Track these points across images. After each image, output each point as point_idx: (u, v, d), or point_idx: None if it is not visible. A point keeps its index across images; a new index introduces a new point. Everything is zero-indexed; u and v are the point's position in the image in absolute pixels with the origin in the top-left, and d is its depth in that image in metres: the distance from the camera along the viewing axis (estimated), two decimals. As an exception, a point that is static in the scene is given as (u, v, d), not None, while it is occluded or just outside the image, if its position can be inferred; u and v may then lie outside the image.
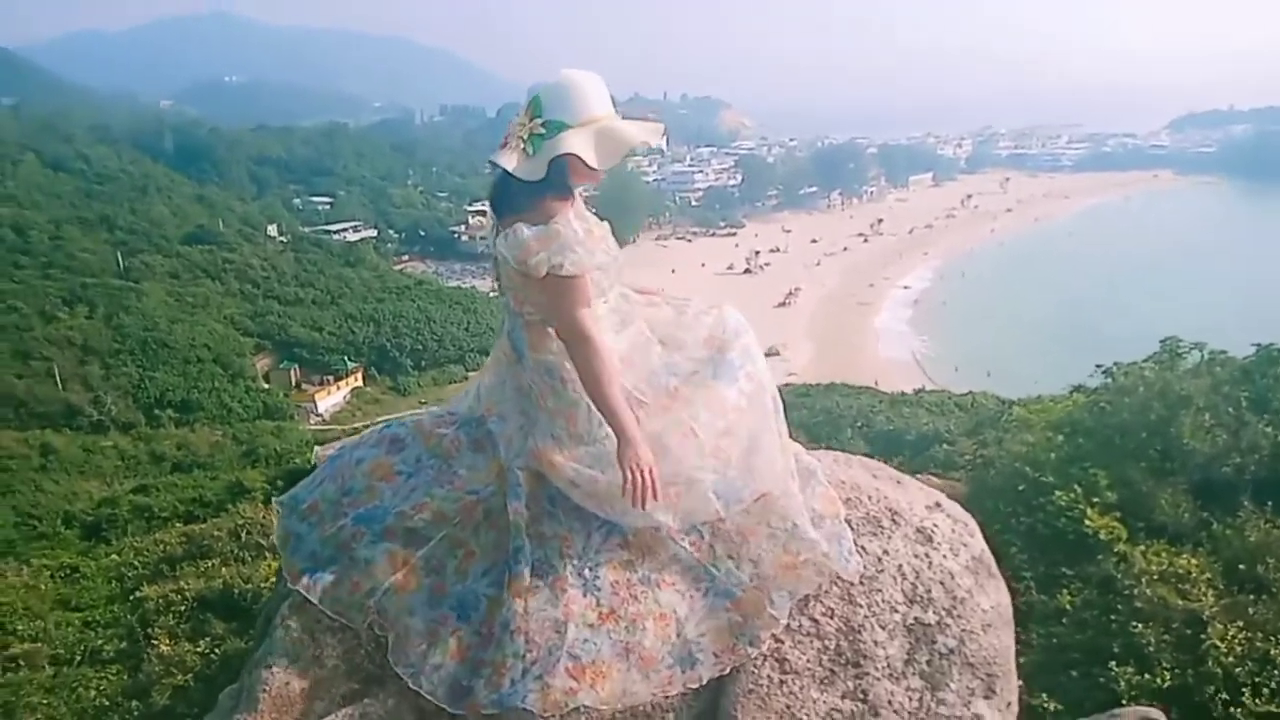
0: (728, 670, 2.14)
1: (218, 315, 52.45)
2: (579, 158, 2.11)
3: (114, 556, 11.22)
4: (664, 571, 2.20)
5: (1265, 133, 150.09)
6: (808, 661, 2.17)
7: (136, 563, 9.87)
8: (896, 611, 2.22)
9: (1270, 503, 6.13)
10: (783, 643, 2.18)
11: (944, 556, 2.31)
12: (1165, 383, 7.45)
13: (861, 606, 2.22)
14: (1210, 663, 4.84)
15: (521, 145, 2.15)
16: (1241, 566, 5.63)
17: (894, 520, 2.36)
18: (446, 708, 2.11)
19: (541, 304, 2.20)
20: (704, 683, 2.13)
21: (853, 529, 2.32)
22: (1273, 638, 4.90)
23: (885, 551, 2.30)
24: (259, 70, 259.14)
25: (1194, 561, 5.67)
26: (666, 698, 2.12)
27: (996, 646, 2.23)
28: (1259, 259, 77.33)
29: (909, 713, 2.12)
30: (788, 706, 2.12)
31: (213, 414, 43.86)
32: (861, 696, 2.14)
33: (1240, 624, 5.06)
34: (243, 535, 8.85)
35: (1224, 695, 4.69)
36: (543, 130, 2.14)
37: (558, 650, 2.08)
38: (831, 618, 2.21)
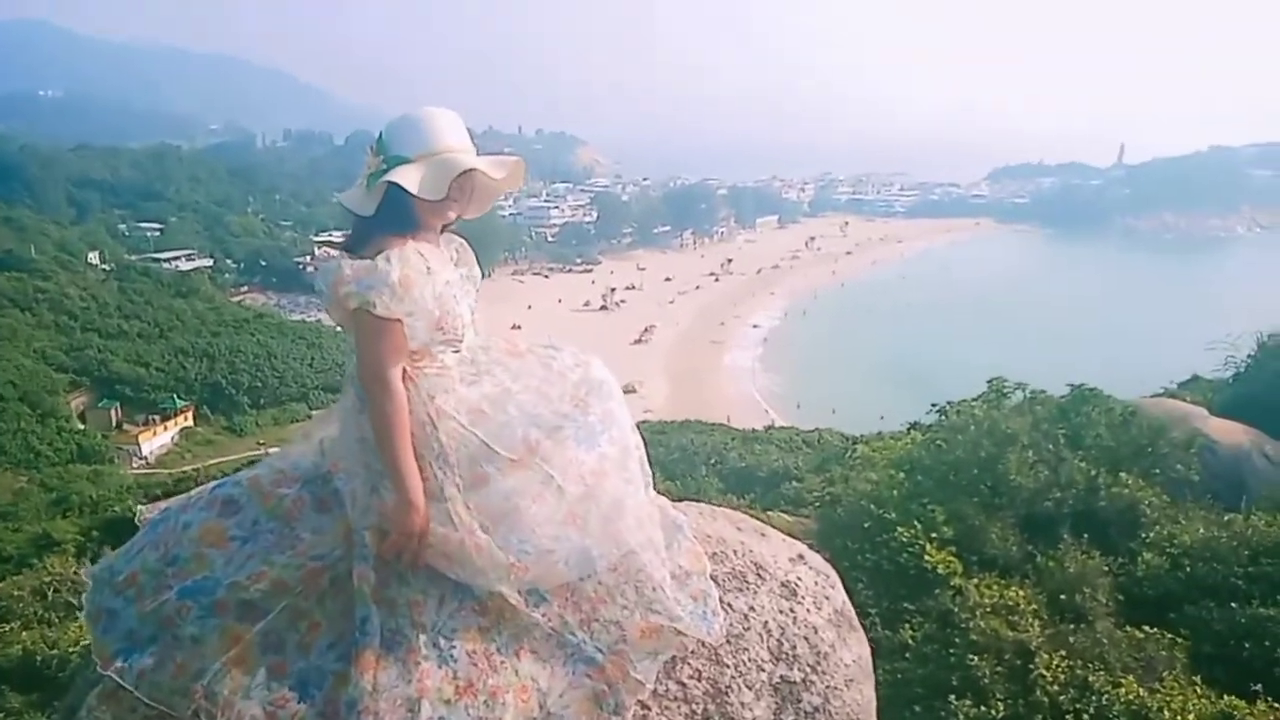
0: None
1: (26, 349, 47.87)
2: (401, 187, 2.04)
3: (-110, 624, 9.90)
4: (523, 638, 2.10)
5: (1069, 186, 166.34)
6: (675, 728, 2.12)
7: (-81, 630, 8.74)
8: (763, 670, 2.21)
9: (1085, 534, 6.60)
10: (649, 709, 2.13)
11: (808, 610, 2.33)
12: (993, 421, 7.93)
13: (729, 667, 2.19)
14: (1038, 692, 5.11)
15: (363, 182, 2.10)
16: (1063, 596, 6.01)
17: (759, 575, 2.36)
18: None
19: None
20: None
21: (719, 585, 2.30)
22: (1090, 665, 5.23)
23: (751, 608, 2.29)
24: (76, 85, 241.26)
25: (1021, 593, 6.01)
26: (529, 776, 2.00)
27: (859, 701, 2.26)
28: (1070, 302, 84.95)
29: (776, 775, 2.10)
30: (656, 776, 2.06)
31: (17, 458, 39.72)
32: (729, 761, 2.10)
33: (1063, 653, 5.38)
34: (49, 594, 8.04)
35: (1050, 723, 4.96)
36: (383, 166, 2.08)
37: None
38: (699, 680, 2.17)
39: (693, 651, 2.20)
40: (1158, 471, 7.58)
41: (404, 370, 2.09)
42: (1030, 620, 5.65)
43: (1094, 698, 4.91)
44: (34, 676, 6.29)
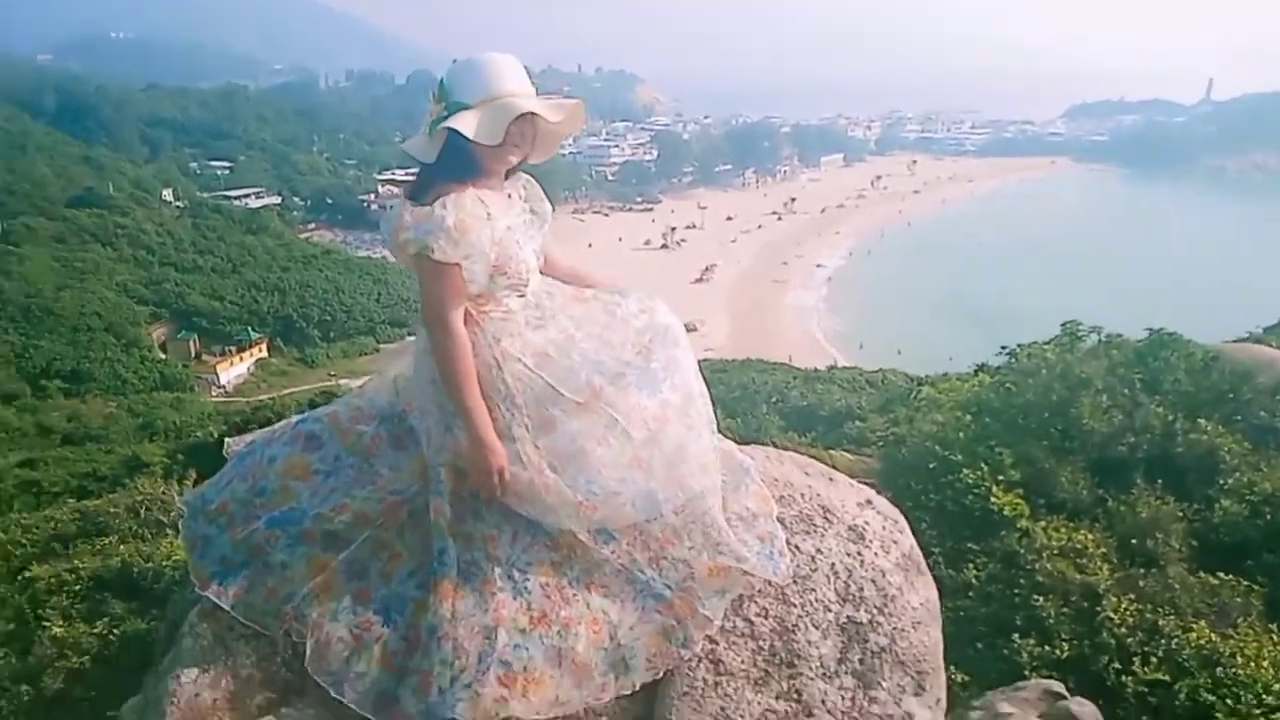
0: (661, 674, 2.11)
1: (109, 282, 49.87)
2: (459, 133, 2.05)
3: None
4: (594, 574, 2.15)
5: (1152, 123, 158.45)
6: (742, 663, 2.16)
7: (24, 540, 9.32)
8: (830, 611, 2.23)
9: (1160, 480, 6.44)
10: (717, 644, 2.17)
11: (875, 554, 2.33)
12: (1066, 364, 7.73)
13: (795, 606, 2.22)
14: (1104, 634, 5.06)
15: (425, 129, 2.12)
16: (1134, 541, 5.89)
17: (826, 519, 2.37)
18: (371, 718, 2.03)
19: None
20: (638, 688, 2.09)
21: (786, 528, 2.32)
22: (1160, 609, 5.16)
23: (818, 550, 2.30)
24: (146, 27, 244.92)
25: (1091, 537, 5.91)
26: (600, 703, 2.08)
27: (926, 644, 2.27)
28: (1150, 245, 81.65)
29: (842, 712, 2.13)
30: (722, 709, 2.11)
31: (105, 385, 41.79)
32: (795, 697, 2.14)
33: (1132, 596, 5.30)
34: (141, 511, 8.45)
35: (1116, 665, 4.90)
36: (444, 113, 2.08)
37: (488, 657, 2.01)
38: (766, 618, 2.21)
39: (760, 590, 2.23)
40: (1240, 418, 7.31)
41: (468, 313, 2.13)
42: (1099, 563, 5.57)
43: (1163, 641, 4.84)
44: (132, 586, 6.64)
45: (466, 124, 2.04)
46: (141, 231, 56.77)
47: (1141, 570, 5.57)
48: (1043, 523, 6.12)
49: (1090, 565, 5.55)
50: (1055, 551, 5.68)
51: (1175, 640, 4.82)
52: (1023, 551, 5.77)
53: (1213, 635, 4.81)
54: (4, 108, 76.58)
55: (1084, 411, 7.01)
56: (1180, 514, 6.06)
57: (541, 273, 2.32)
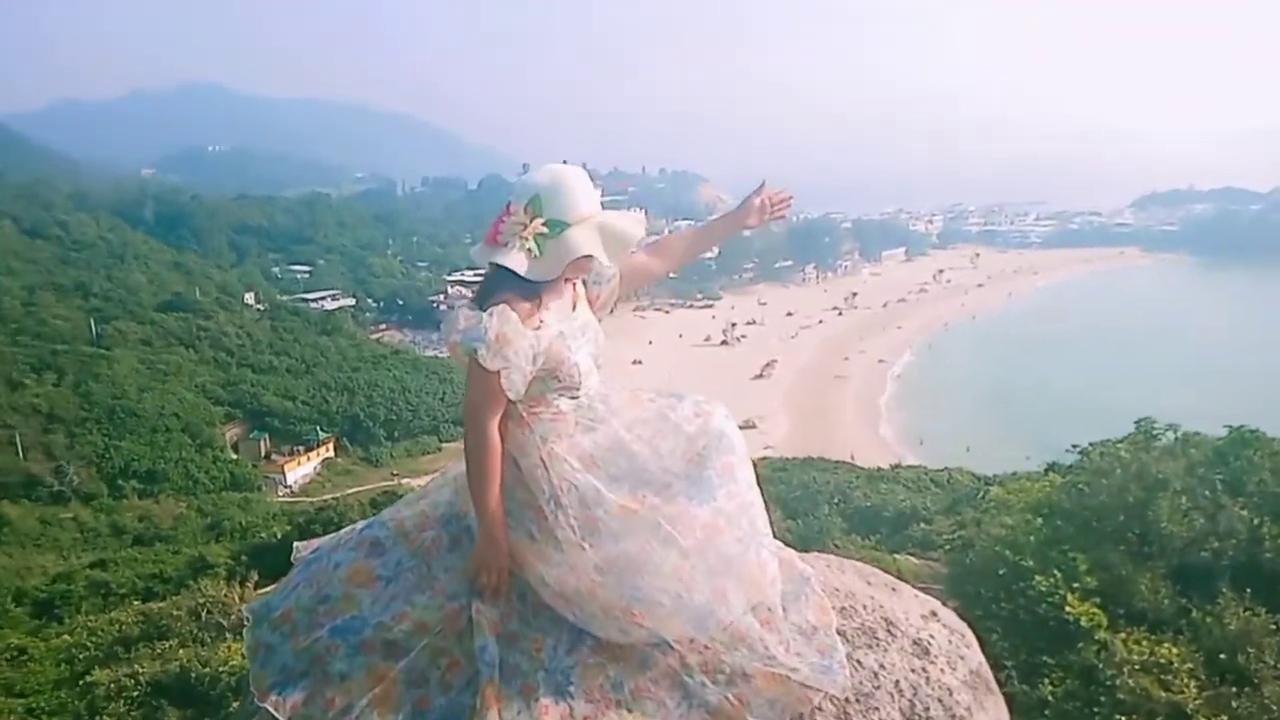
0: None
1: (189, 383, 51.84)
2: (591, 258, 2.15)
3: (65, 637, 10.78)
4: (640, 678, 2.12)
5: (1225, 211, 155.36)
6: (802, 783, 2.09)
7: (89, 643, 9.47)
8: (893, 730, 2.15)
9: (1249, 589, 6.09)
10: (775, 763, 2.10)
11: (941, 670, 2.25)
12: (1141, 464, 7.46)
13: (857, 725, 2.15)
14: (1197, 758, 4.75)
15: (526, 245, 2.13)
16: (1223, 656, 5.56)
17: (890, 631, 2.31)
18: None
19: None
20: None
21: (848, 641, 2.26)
22: (1258, 731, 4.83)
23: (881, 666, 2.24)
24: (239, 139, 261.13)
25: (1175, 651, 5.60)
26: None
27: (996, 767, 2.17)
28: (1228, 336, 79.03)
29: (907, 840, 2.03)
30: (781, 831, 2.03)
31: (178, 485, 43.01)
32: (857, 822, 2.05)
33: (1224, 717, 4.99)
34: (203, 615, 8.52)
35: (1211, 793, 4.60)
36: (545, 230, 2.14)
37: None
38: (826, 737, 2.14)
39: (819, 708, 2.16)
40: (1333, 523, 6.94)
41: (520, 413, 2.18)
42: (1185, 680, 5.25)
43: (1261, 769, 4.52)
44: (188, 693, 6.65)
45: (597, 248, 2.15)
46: (223, 334, 59.26)
47: (1233, 689, 5.24)
48: (1122, 634, 5.83)
49: (1176, 682, 5.25)
50: (1137, 666, 5.39)
51: (1276, 766, 4.49)
52: (1102, 666, 5.49)
53: (1317, 761, 4.47)
54: (108, 219, 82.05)
55: (1162, 514, 6.74)
56: (1273, 626, 5.70)
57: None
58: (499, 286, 2.16)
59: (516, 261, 2.11)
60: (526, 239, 2.13)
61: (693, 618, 2.12)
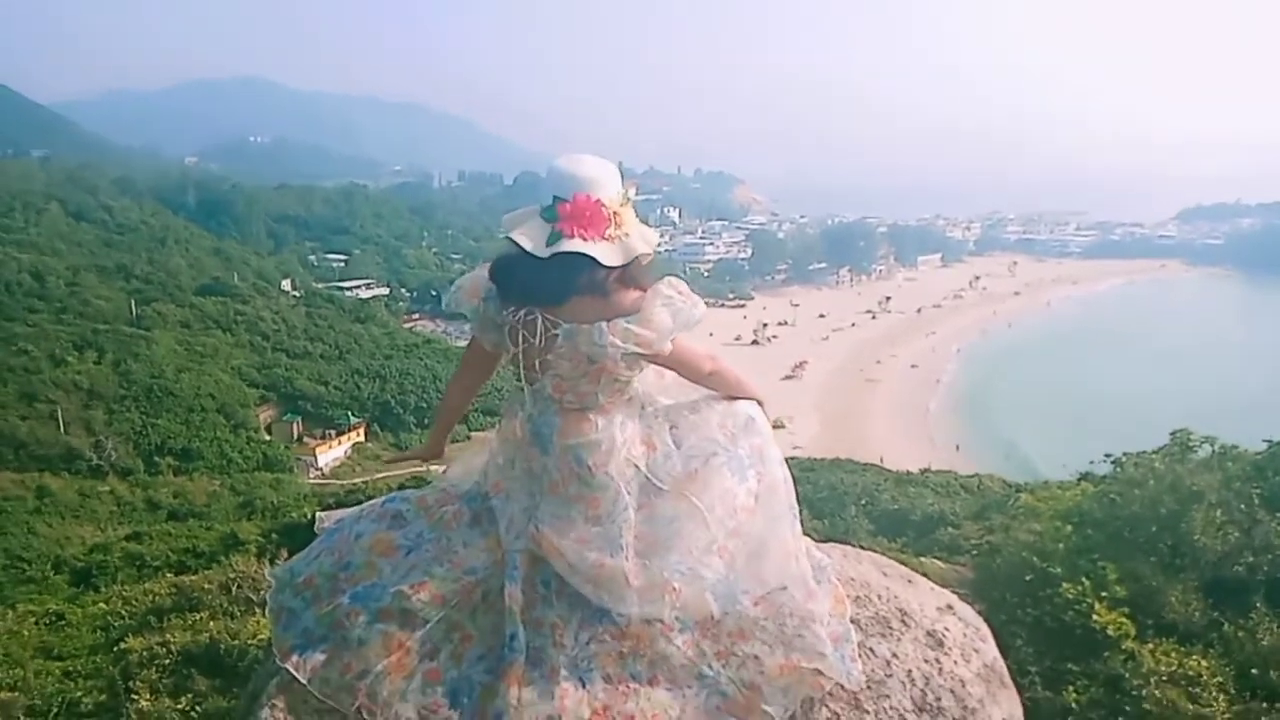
0: None
1: (225, 366, 52.73)
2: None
3: (101, 605, 11.01)
4: (658, 667, 2.14)
5: (1272, 226, 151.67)
6: (811, 769, 2.09)
7: (124, 612, 9.67)
8: (905, 720, 2.14)
9: (1283, 606, 5.97)
10: (785, 748, 2.09)
11: (955, 663, 2.24)
12: (1176, 476, 7.32)
13: (869, 714, 2.14)
14: (1223, 773, 4.66)
15: (616, 234, 2.11)
16: (1254, 671, 5.44)
17: (904, 622, 2.30)
18: None
19: (607, 383, 2.17)
20: None
21: (861, 629, 2.26)
22: (1288, 749, 4.73)
23: (894, 655, 2.23)
24: (283, 131, 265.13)
25: (1204, 664, 5.48)
26: (659, 803, 2.03)
27: (1008, 761, 2.15)
28: (1270, 351, 77.26)
29: (915, 829, 2.02)
30: (789, 816, 2.03)
31: (212, 464, 43.74)
32: (866, 810, 2.05)
33: (1253, 733, 4.89)
34: (233, 589, 8.66)
35: (1238, 809, 4.50)
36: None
37: None
38: (837, 724, 2.13)
39: (831, 694, 2.16)
40: (1372, 541, 6.76)
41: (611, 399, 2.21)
42: (1214, 693, 5.14)
43: (1289, 788, 4.42)
44: (217, 664, 6.76)
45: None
46: (260, 319, 60.18)
47: (1264, 704, 5.12)
48: (1150, 645, 5.72)
49: (1204, 695, 5.14)
50: (1164, 678, 5.28)
51: (1303, 785, 4.39)
52: (1128, 676, 5.39)
53: (1346, 782, 4.37)
54: (151, 205, 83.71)
55: (1196, 527, 6.61)
56: (1307, 644, 5.58)
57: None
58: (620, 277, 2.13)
59: (610, 254, 2.10)
60: (617, 227, 2.12)
61: (726, 593, 2.16)
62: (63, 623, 10.27)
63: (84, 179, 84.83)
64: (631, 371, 2.19)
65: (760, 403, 2.39)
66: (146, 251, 68.72)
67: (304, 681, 2.21)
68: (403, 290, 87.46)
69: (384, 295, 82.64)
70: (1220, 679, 5.37)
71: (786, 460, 2.34)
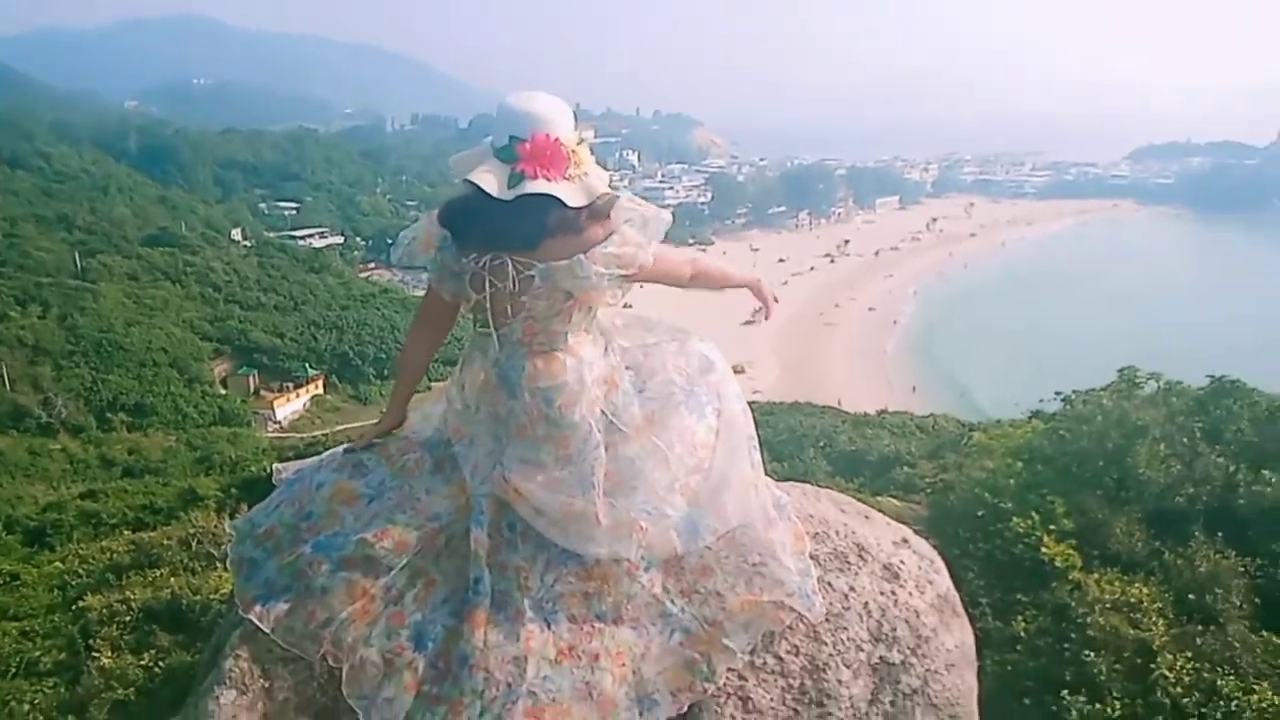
0: (685, 708, 2.11)
1: (176, 319, 51.55)
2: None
3: (57, 564, 10.85)
4: (622, 606, 2.17)
5: (1222, 165, 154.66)
6: (771, 701, 2.15)
7: (81, 570, 9.55)
8: (862, 650, 2.21)
9: (1221, 533, 6.22)
10: (746, 680, 2.16)
11: (910, 594, 2.31)
12: (1122, 412, 7.54)
13: (827, 645, 2.20)
14: (1159, 693, 4.89)
15: (577, 174, 2.08)
16: (1191, 596, 5.69)
17: (861, 556, 2.35)
18: None
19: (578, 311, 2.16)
20: None
21: (820, 565, 2.31)
22: (1219, 668, 4.96)
23: (851, 588, 2.29)
24: (227, 73, 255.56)
25: (1145, 591, 5.72)
26: (626, 738, 2.07)
27: (960, 687, 2.23)
28: (1217, 288, 79.36)
29: (871, 754, 2.10)
30: (750, 746, 2.10)
31: (167, 419, 43.02)
32: (824, 737, 2.12)
33: (1189, 654, 5.11)
34: (193, 544, 8.59)
35: (1172, 725, 4.75)
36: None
37: (517, 688, 2.03)
38: (797, 655, 2.19)
39: (791, 628, 2.21)
40: (1308, 471, 7.04)
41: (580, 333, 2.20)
42: (1154, 619, 5.38)
43: (1222, 703, 4.66)
44: (180, 619, 6.73)
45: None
46: (210, 269, 58.76)
47: (1199, 627, 5.37)
48: (1095, 575, 5.95)
49: (1145, 621, 5.38)
50: (1108, 605, 5.51)
51: (1236, 702, 4.63)
52: (1074, 604, 5.62)
53: (1276, 698, 4.62)
54: (91, 151, 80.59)
55: (1140, 461, 6.84)
56: (1242, 569, 5.84)
57: None
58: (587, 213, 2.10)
59: (572, 194, 2.06)
60: (578, 165, 2.08)
61: (689, 530, 2.18)
62: (18, 583, 10.10)
63: (17, 124, 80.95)
64: (617, 298, 2.19)
65: (754, 286, 2.52)
66: (88, 201, 66.29)
67: (268, 631, 2.20)
68: (357, 239, 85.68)
69: (338, 244, 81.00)
70: (1160, 605, 5.62)
71: (747, 404, 2.36)
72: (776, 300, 2.58)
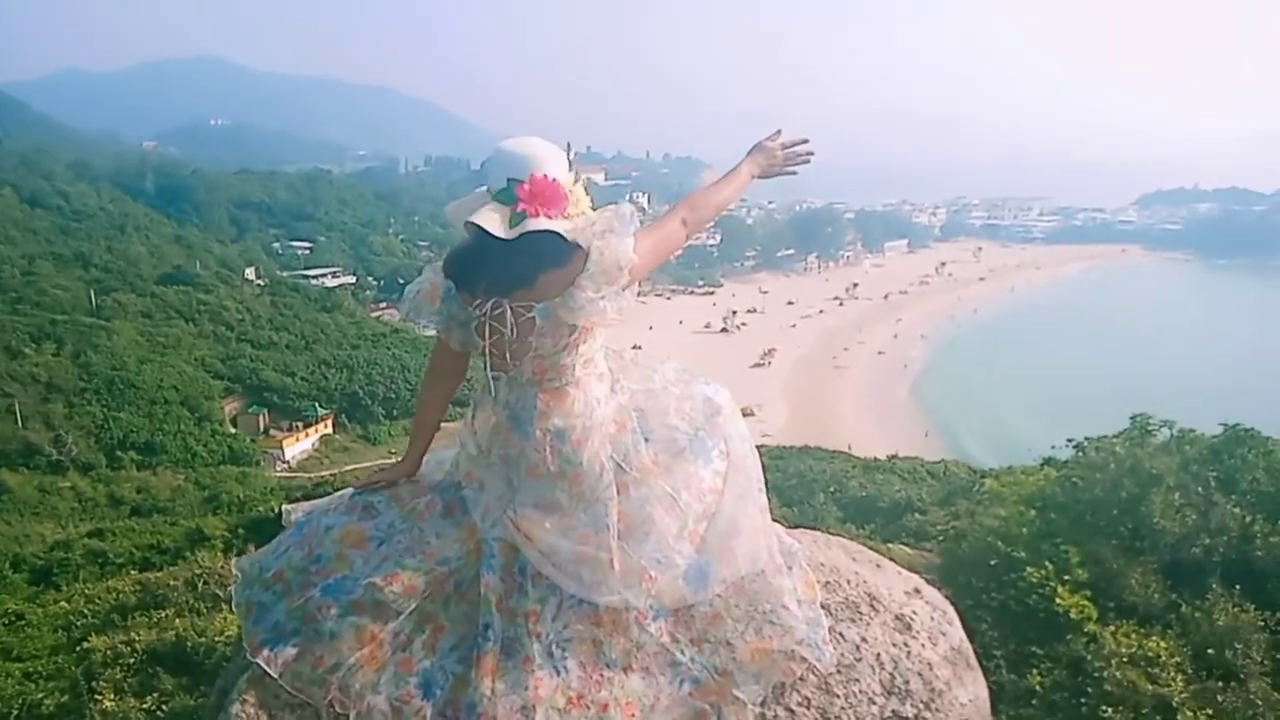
0: None
1: (188, 357, 51.84)
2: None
3: (63, 604, 10.82)
4: (632, 654, 2.14)
5: (1229, 211, 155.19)
6: (782, 754, 2.11)
7: (86, 611, 9.51)
8: (874, 703, 2.17)
9: (1239, 586, 6.12)
10: (757, 733, 2.12)
11: (923, 646, 2.27)
12: (1136, 460, 7.48)
13: (839, 697, 2.17)
14: (1181, 750, 4.79)
15: (576, 212, 2.14)
16: (1210, 651, 5.59)
17: (873, 606, 2.33)
18: None
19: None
20: None
21: (831, 614, 2.28)
22: (1242, 725, 4.86)
23: (863, 639, 2.26)
24: (244, 115, 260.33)
25: (1163, 644, 5.62)
26: (634, 791, 2.04)
27: (974, 743, 2.19)
28: (1228, 335, 79.03)
29: (885, 812, 2.06)
30: (761, 801, 2.06)
31: (176, 457, 43.07)
32: (837, 793, 2.08)
33: (1209, 712, 5.01)
34: (199, 585, 8.55)
35: (1194, 785, 4.63)
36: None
37: None
38: (808, 708, 2.16)
39: (802, 679, 2.18)
40: (1326, 522, 6.94)
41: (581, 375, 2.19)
42: (1172, 674, 5.28)
43: (1244, 762, 4.55)
44: (184, 661, 6.67)
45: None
46: (223, 308, 59.21)
47: (1219, 683, 5.27)
48: (1111, 627, 5.85)
49: (1163, 675, 5.28)
50: (1125, 659, 5.42)
51: (1258, 760, 4.52)
52: (1090, 657, 5.52)
53: (1299, 756, 4.50)
54: (109, 190, 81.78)
55: (1155, 510, 6.76)
56: (1261, 623, 5.73)
57: None
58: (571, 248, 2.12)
59: (577, 233, 2.11)
60: (574, 205, 2.14)
61: (697, 579, 2.16)
62: (22, 623, 10.05)
63: (37, 163, 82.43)
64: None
65: (760, 170, 2.43)
66: (105, 239, 67.17)
67: (275, 676, 2.18)
68: (369, 278, 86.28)
69: (350, 284, 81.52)
70: (1178, 659, 5.51)
71: (756, 448, 2.35)
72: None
